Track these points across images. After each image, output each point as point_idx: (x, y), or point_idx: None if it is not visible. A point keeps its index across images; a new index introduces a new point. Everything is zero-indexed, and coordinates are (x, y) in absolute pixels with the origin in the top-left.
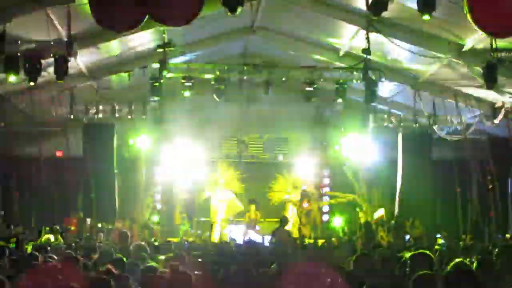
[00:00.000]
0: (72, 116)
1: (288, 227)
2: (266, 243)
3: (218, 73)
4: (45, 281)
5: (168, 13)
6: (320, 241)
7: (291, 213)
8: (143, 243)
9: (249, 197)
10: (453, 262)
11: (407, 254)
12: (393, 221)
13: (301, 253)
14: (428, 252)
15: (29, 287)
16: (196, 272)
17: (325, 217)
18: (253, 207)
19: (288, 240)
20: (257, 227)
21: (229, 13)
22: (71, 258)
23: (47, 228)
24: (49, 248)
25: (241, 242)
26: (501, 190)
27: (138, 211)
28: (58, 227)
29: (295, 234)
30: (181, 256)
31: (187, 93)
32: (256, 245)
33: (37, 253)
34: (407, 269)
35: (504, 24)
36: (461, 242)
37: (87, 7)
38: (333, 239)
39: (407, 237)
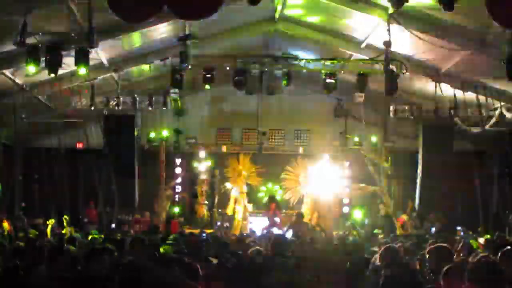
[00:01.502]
0: (92, 108)
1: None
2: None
3: (238, 65)
4: None
5: (188, 6)
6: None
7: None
8: None
9: (269, 193)
10: (478, 256)
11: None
12: (414, 213)
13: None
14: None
15: None
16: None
17: (346, 209)
18: (273, 205)
19: (308, 233)
20: (278, 220)
21: (250, 5)
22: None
23: (67, 218)
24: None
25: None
26: None
27: (158, 203)
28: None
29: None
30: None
31: (207, 85)
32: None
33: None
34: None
35: None
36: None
37: None
38: (354, 232)
39: (433, 229)
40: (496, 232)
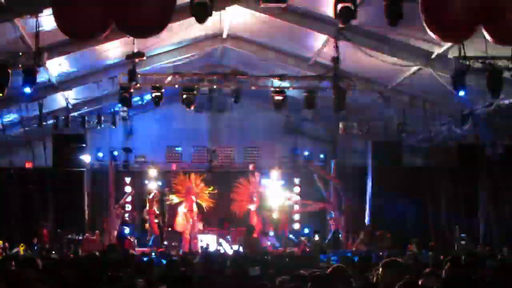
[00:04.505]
0: (41, 127)
1: (254, 235)
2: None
3: (187, 83)
4: None
5: (136, 24)
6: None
7: (255, 221)
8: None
9: (217, 209)
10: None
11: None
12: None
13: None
14: (398, 259)
15: None
16: None
17: (296, 226)
18: (226, 225)
19: (256, 247)
20: (228, 237)
21: (198, 23)
22: None
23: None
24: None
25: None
26: (469, 197)
27: (108, 222)
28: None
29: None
30: None
31: (156, 103)
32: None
33: None
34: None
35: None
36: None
37: None
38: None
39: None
40: (443, 247)
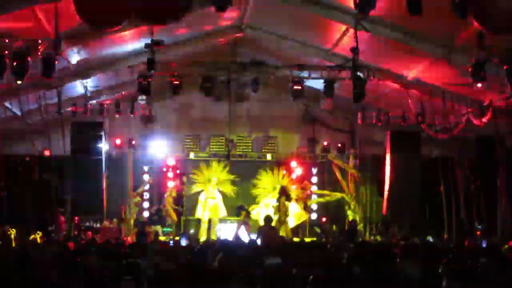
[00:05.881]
0: (60, 115)
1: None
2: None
3: (206, 71)
4: None
5: (156, 11)
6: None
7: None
8: None
9: (236, 198)
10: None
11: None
12: (380, 222)
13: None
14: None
15: None
16: None
17: (314, 216)
18: (243, 213)
19: (274, 238)
20: (247, 226)
21: (217, 11)
22: None
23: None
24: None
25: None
26: (488, 189)
27: (126, 210)
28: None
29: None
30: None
31: (175, 92)
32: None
33: None
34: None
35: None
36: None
37: None
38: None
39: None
40: (461, 238)
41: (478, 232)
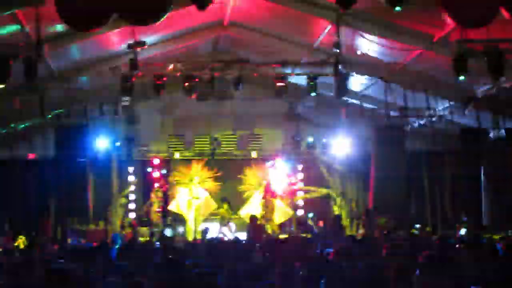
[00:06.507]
0: (43, 119)
1: (259, 223)
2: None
3: (188, 70)
4: None
5: (136, 11)
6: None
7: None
8: None
9: (221, 195)
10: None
11: None
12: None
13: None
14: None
15: None
16: None
17: (300, 212)
18: (225, 205)
19: (260, 234)
20: (230, 224)
21: (199, 10)
22: None
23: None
24: None
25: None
26: (472, 180)
27: (112, 212)
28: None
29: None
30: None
31: (158, 92)
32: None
33: None
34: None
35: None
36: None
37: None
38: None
39: None
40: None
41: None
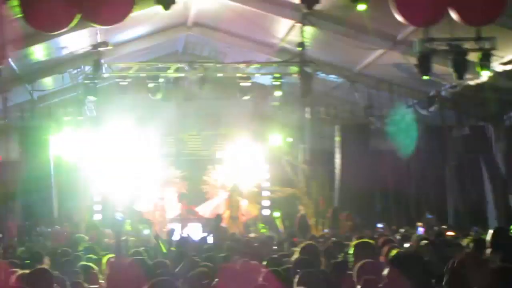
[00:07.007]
0: (7, 120)
1: (223, 224)
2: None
3: (153, 71)
4: None
5: (100, 12)
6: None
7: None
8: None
9: (185, 195)
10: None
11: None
12: (329, 214)
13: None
14: (369, 240)
15: None
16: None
17: (266, 212)
18: (184, 202)
19: (226, 237)
20: (193, 225)
21: (164, 9)
22: None
23: None
24: None
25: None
26: (437, 178)
27: (77, 213)
28: None
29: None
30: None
31: (123, 93)
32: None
33: None
34: (350, 257)
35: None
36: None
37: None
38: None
39: None
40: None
41: (423, 223)
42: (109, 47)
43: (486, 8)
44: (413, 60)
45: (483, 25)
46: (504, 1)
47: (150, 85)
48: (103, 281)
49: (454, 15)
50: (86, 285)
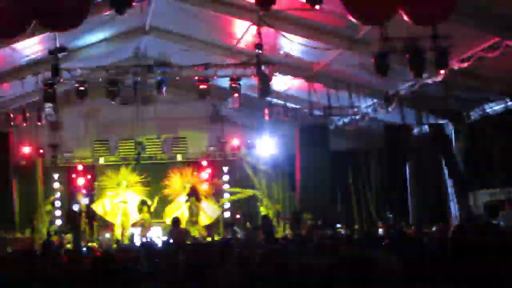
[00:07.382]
0: None
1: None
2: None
3: (111, 75)
4: None
5: (56, 17)
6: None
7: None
8: None
9: (141, 199)
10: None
11: None
12: (291, 215)
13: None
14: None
15: None
16: None
17: (226, 214)
18: (145, 208)
19: (184, 238)
20: (152, 229)
21: (117, 14)
22: None
23: None
24: None
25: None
26: (398, 177)
27: (38, 219)
28: None
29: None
30: None
31: (81, 98)
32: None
33: None
34: None
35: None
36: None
37: None
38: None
39: None
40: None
41: (383, 222)
42: (66, 53)
43: (434, 9)
44: (370, 60)
45: (432, 25)
46: (452, 1)
47: (108, 89)
48: None
49: (403, 15)
50: None
